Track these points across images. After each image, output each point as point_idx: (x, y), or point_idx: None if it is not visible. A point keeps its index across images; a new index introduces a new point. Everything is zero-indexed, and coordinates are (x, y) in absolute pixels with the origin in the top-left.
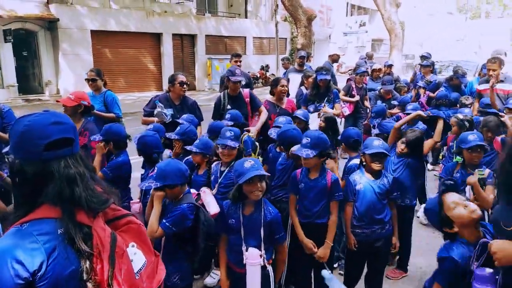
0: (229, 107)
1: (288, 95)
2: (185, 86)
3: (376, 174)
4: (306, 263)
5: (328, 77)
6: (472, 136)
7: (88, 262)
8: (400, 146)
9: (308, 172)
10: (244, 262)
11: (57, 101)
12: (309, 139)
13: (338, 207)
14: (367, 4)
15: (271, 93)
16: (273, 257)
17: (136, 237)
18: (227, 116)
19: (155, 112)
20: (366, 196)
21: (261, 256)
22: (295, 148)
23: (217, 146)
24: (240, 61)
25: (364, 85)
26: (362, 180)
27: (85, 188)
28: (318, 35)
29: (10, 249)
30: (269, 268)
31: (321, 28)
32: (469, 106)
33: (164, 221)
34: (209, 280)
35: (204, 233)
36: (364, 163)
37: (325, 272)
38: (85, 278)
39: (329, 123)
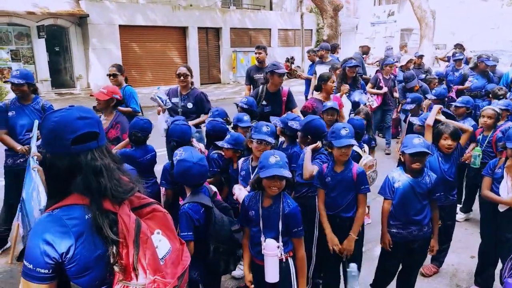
0: (264, 102)
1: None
2: (181, 77)
3: (417, 173)
4: (334, 258)
5: (358, 64)
6: None
7: (114, 247)
8: (447, 142)
9: (334, 165)
10: (262, 252)
11: (91, 95)
12: (347, 129)
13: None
14: None
15: (317, 89)
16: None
17: (161, 224)
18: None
19: (151, 96)
20: (404, 195)
21: (278, 247)
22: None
23: (250, 141)
24: (261, 53)
25: (393, 76)
26: (401, 178)
27: (110, 179)
28: (345, 26)
29: (41, 232)
30: (290, 261)
31: (347, 19)
32: (502, 97)
33: (180, 234)
34: (237, 272)
35: (215, 235)
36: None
37: (353, 266)
38: (112, 261)
39: (368, 118)
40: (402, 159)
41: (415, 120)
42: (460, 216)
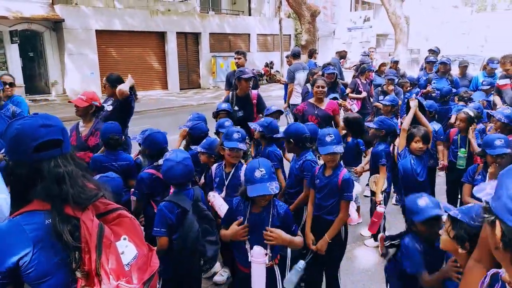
0: (236, 108)
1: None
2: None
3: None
4: (316, 260)
5: (335, 71)
6: (499, 141)
7: (76, 253)
8: (419, 145)
9: (325, 168)
10: (249, 260)
11: (69, 101)
12: (333, 136)
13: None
14: None
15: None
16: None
17: (128, 230)
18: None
19: None
20: None
21: (266, 254)
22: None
23: (222, 148)
24: (240, 58)
25: (369, 80)
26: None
27: (73, 185)
28: (322, 31)
29: None
30: (276, 268)
31: (325, 24)
32: (467, 99)
33: (153, 228)
34: (218, 278)
35: (181, 238)
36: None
37: (301, 263)
38: (73, 267)
39: (351, 125)
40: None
41: (370, 124)
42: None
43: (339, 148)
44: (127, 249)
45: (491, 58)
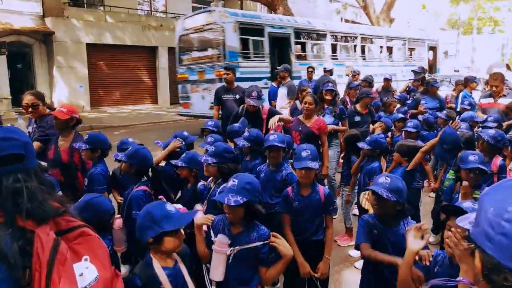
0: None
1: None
2: (29, 109)
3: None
4: (303, 282)
5: (335, 89)
6: (473, 157)
7: (28, 271)
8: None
9: (300, 189)
10: (212, 248)
11: (48, 113)
12: (309, 151)
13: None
14: (360, 19)
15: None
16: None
17: (91, 250)
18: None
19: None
20: None
21: (229, 246)
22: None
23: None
24: (229, 74)
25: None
26: None
27: (30, 200)
28: None
29: None
30: None
31: None
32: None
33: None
34: None
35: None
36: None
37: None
38: (21, 284)
39: (350, 142)
40: None
41: (362, 144)
42: (431, 239)
43: (314, 164)
44: (87, 271)
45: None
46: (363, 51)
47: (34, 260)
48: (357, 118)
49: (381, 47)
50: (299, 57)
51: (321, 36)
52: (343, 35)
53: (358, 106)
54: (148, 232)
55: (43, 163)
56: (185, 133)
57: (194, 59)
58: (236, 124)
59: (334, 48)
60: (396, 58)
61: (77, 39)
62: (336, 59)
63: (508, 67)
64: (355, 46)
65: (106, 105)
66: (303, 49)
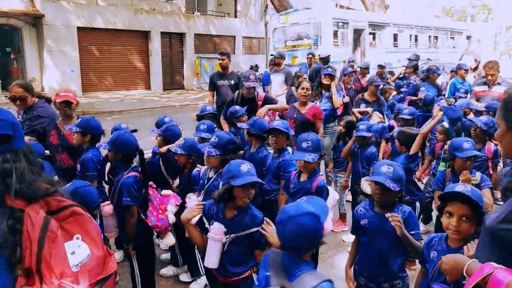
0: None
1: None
2: (17, 101)
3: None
4: None
5: (334, 74)
6: (467, 144)
7: (18, 249)
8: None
9: (300, 174)
10: (207, 235)
11: (60, 101)
12: (310, 142)
13: None
14: (355, 5)
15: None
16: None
17: (82, 229)
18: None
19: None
20: None
21: (225, 233)
22: (297, 154)
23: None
24: (224, 59)
25: (353, 86)
26: None
27: (19, 181)
28: None
29: None
30: (254, 276)
31: None
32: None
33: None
34: (194, 285)
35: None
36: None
37: None
38: (12, 261)
39: (350, 128)
40: None
41: (361, 133)
42: (421, 228)
43: (312, 157)
44: (79, 249)
45: (459, 64)
46: (416, 40)
47: (24, 238)
48: (363, 106)
49: (429, 36)
50: (370, 44)
51: (383, 27)
52: (406, 27)
53: (366, 95)
54: None
55: (47, 152)
56: (166, 119)
57: (287, 47)
58: (237, 106)
59: (395, 38)
60: (441, 46)
61: (67, 22)
62: (397, 46)
63: (475, 59)
64: (412, 35)
65: (98, 90)
66: (374, 38)
